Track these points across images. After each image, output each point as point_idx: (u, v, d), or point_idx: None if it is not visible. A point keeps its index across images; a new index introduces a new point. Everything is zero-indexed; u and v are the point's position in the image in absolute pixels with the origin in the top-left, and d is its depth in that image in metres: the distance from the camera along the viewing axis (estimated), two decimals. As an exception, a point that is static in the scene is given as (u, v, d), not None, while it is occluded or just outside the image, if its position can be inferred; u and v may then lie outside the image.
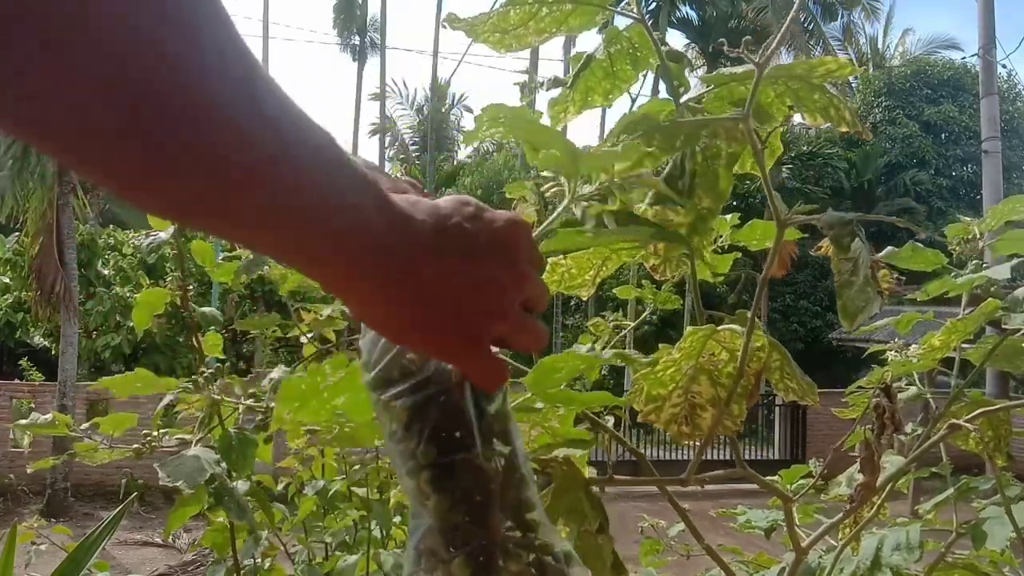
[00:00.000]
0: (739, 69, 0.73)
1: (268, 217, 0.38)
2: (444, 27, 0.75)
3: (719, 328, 0.75)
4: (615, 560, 0.72)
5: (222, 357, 1.31)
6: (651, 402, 0.76)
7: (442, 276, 0.44)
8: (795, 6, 0.77)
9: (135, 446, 1.21)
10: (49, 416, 1.18)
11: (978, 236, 1.08)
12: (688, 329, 0.76)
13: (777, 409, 12.96)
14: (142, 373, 1.08)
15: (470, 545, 0.49)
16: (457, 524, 0.50)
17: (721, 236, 1.02)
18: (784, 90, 0.74)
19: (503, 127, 0.68)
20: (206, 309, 1.28)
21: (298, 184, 0.38)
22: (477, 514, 0.50)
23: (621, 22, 0.82)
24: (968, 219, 1.12)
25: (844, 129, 0.76)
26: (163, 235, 1.20)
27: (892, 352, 1.12)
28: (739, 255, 1.01)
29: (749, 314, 0.73)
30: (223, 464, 1.10)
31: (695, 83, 0.83)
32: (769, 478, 1.43)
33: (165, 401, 1.25)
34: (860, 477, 0.87)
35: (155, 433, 1.21)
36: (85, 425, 1.24)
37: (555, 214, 0.69)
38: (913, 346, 1.05)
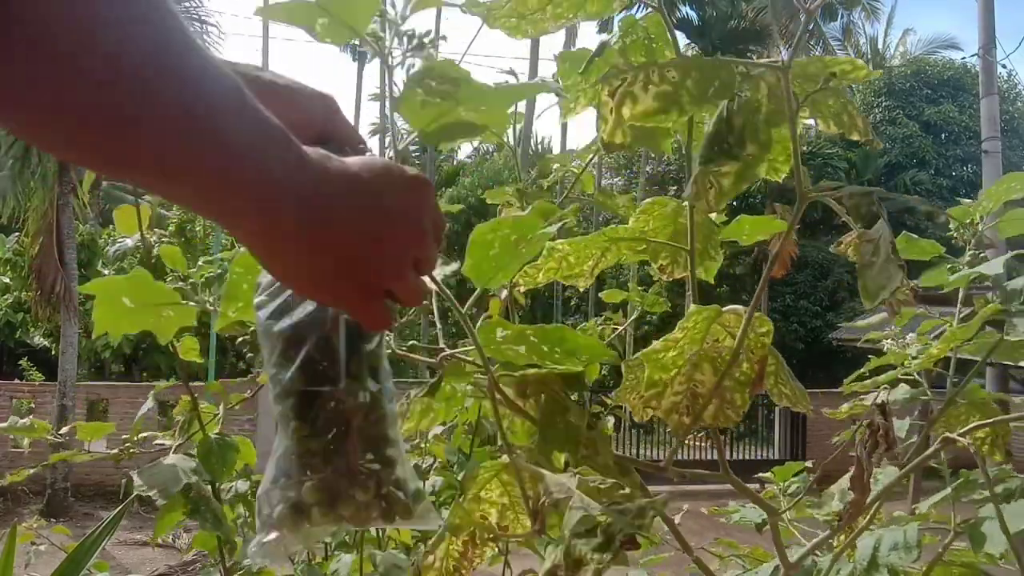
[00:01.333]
0: (761, 62, 0.72)
1: (177, 166, 0.40)
2: (464, 11, 0.75)
3: (724, 310, 0.74)
4: (620, 465, 0.69)
5: (200, 361, 1.29)
6: (652, 387, 0.74)
7: (347, 229, 0.47)
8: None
9: (113, 452, 1.21)
10: (27, 420, 1.18)
11: (977, 221, 1.07)
12: (692, 308, 0.74)
13: (777, 409, 12.94)
14: (139, 274, 0.93)
15: (323, 472, 0.52)
16: (314, 451, 0.53)
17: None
18: (796, 90, 0.73)
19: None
20: (164, 248, 1.26)
21: (207, 130, 0.40)
22: (334, 443, 0.53)
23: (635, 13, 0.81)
24: (969, 201, 1.10)
25: (856, 137, 0.75)
26: (129, 242, 1.19)
27: (888, 342, 1.11)
28: (726, 251, 1.00)
29: (752, 298, 0.72)
30: (199, 472, 1.09)
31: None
32: (763, 475, 1.43)
33: (145, 408, 1.25)
34: (839, 504, 0.86)
35: (134, 439, 1.21)
36: (64, 429, 1.25)
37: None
38: (911, 334, 1.05)
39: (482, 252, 0.66)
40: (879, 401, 0.91)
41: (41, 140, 0.39)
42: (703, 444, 10.77)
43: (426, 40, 0.75)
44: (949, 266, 1.03)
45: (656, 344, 0.75)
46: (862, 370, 1.24)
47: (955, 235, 1.10)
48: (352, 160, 0.49)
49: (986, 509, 1.01)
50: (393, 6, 0.73)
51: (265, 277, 0.56)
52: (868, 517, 0.98)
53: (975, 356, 1.00)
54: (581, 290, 0.92)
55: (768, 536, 1.45)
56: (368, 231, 0.48)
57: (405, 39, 0.75)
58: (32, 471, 1.36)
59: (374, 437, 0.55)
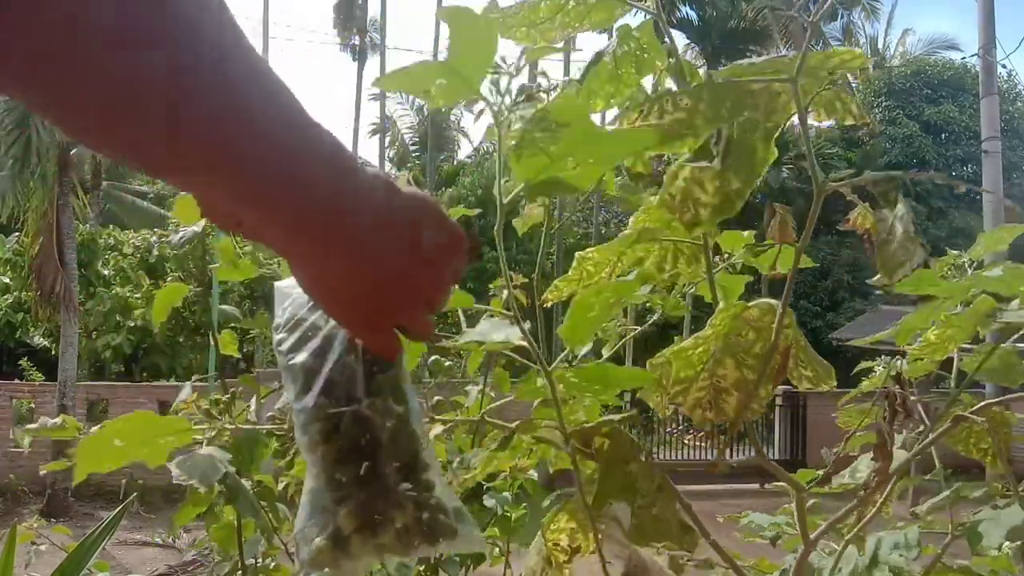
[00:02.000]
0: (754, 61, 0.72)
1: (225, 160, 0.41)
2: (487, 16, 0.75)
3: (749, 305, 0.75)
4: (680, 522, 0.71)
5: (237, 355, 1.31)
6: (678, 384, 0.76)
7: (382, 256, 0.49)
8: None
9: (142, 447, 1.21)
10: (58, 420, 1.18)
11: (969, 264, 1.09)
12: (719, 306, 0.75)
13: (777, 409, 12.95)
14: (144, 417, 0.92)
15: (357, 497, 0.51)
16: (346, 476, 0.52)
17: (734, 255, 1.01)
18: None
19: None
20: (225, 307, 1.28)
21: (258, 131, 0.42)
22: (365, 465, 0.52)
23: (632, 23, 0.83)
24: (955, 253, 1.13)
25: (850, 122, 0.76)
26: (195, 228, 1.19)
27: (879, 368, 1.12)
28: (751, 279, 1.01)
29: (785, 287, 0.73)
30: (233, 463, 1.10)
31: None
32: (773, 482, 1.43)
33: (180, 398, 1.25)
34: (866, 466, 0.87)
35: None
36: (94, 429, 1.24)
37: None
38: (914, 345, 1.05)
39: (582, 314, 0.70)
40: (894, 372, 0.91)
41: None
42: (703, 444, 10.77)
43: (535, 93, 0.77)
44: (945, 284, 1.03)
45: (686, 343, 0.76)
46: (862, 385, 1.25)
47: (945, 275, 1.12)
48: (405, 194, 0.51)
49: (983, 512, 1.01)
50: (503, 60, 0.76)
51: (282, 315, 0.56)
52: (877, 506, 0.98)
53: (971, 371, 1.01)
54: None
55: (771, 551, 1.45)
56: (398, 265, 0.50)
57: (514, 92, 0.78)
58: (71, 464, 1.35)
59: (406, 457, 0.54)
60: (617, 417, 0.77)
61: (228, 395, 1.15)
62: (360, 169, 0.47)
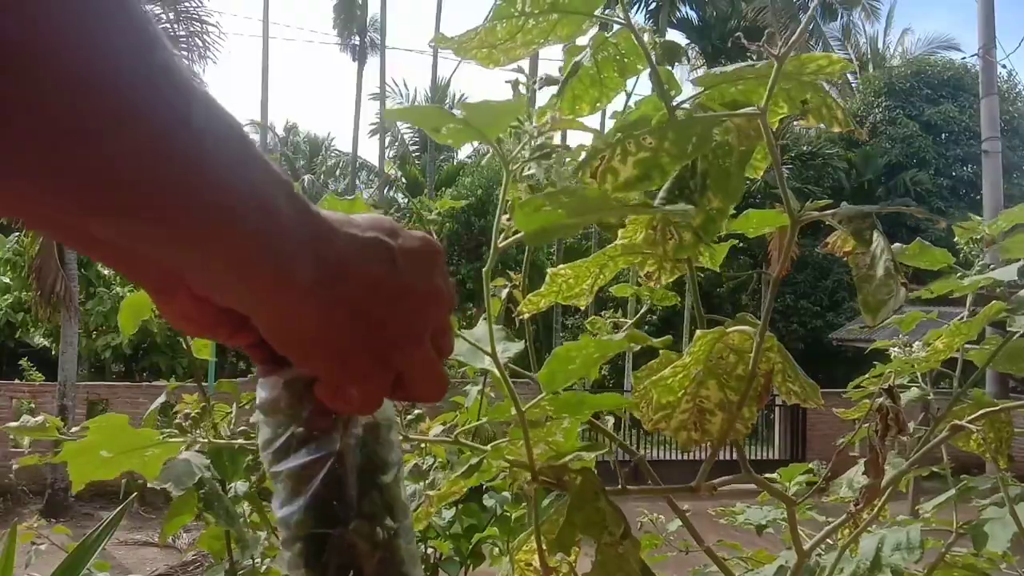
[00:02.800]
0: (728, 68, 0.72)
1: (176, 216, 0.34)
2: (430, 46, 0.75)
3: (728, 330, 0.75)
4: (643, 568, 0.71)
5: (213, 359, 1.29)
6: (660, 410, 0.76)
7: (363, 284, 0.42)
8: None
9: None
10: (40, 419, 1.18)
11: (988, 237, 1.08)
12: (697, 333, 0.75)
13: (777, 409, 12.95)
14: (114, 422, 0.91)
15: None
16: None
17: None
18: (777, 90, 0.74)
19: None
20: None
21: (209, 177, 0.34)
22: None
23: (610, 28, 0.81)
24: (979, 218, 1.11)
25: (837, 129, 0.75)
26: None
27: (895, 349, 1.11)
28: (736, 242, 1.01)
29: (762, 314, 0.72)
30: (211, 469, 1.10)
31: (688, 86, 0.83)
32: (767, 475, 1.43)
33: (157, 403, 1.25)
34: (863, 479, 0.87)
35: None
36: (75, 428, 1.24)
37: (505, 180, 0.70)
38: (917, 343, 1.05)
39: (561, 365, 0.70)
40: (886, 385, 0.91)
41: None
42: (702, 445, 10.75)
43: (552, 151, 0.75)
44: (959, 275, 1.03)
45: (665, 372, 0.76)
46: (866, 376, 1.24)
47: (963, 248, 1.11)
48: (359, 216, 0.45)
49: (988, 511, 1.01)
50: (527, 115, 0.74)
51: (266, 423, 0.50)
52: (875, 511, 0.98)
53: (979, 363, 1.00)
54: (582, 307, 0.94)
55: (768, 539, 1.45)
56: (385, 290, 0.43)
57: (531, 146, 0.76)
58: (46, 460, 1.33)
59: None
60: (590, 455, 0.76)
61: (202, 405, 1.15)
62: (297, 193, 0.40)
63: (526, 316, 0.93)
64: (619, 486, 0.78)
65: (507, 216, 0.71)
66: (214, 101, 0.36)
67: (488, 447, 0.78)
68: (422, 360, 0.45)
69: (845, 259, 0.72)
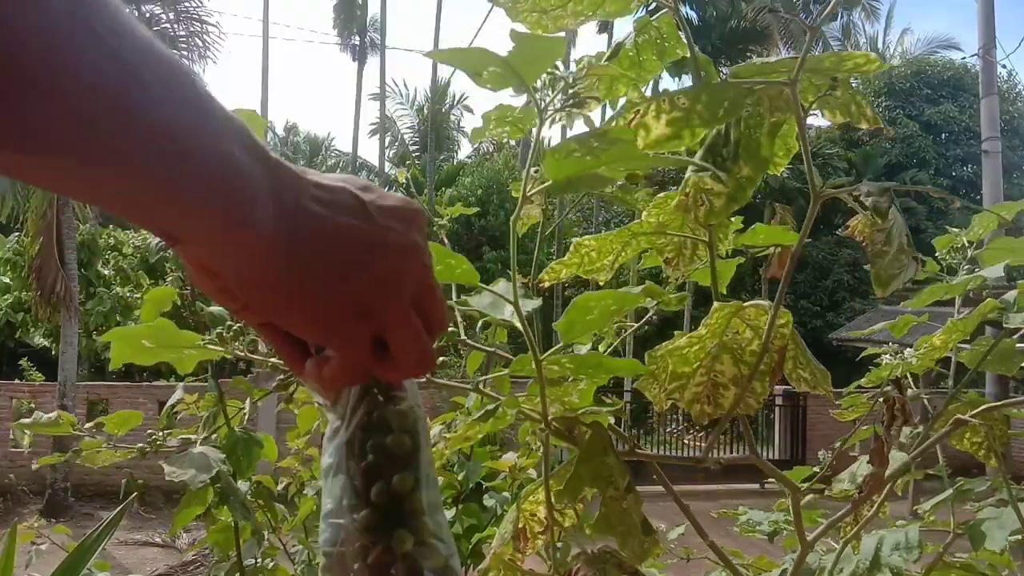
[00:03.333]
0: (768, 60, 0.73)
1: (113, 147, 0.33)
2: (489, 1, 0.77)
3: (745, 305, 0.76)
4: (644, 521, 0.73)
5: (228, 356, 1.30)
6: (675, 380, 0.77)
7: (332, 233, 0.41)
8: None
9: (139, 445, 1.20)
10: (53, 415, 1.18)
11: (966, 245, 1.09)
12: (714, 306, 0.76)
13: (777, 409, 12.94)
14: (161, 323, 0.91)
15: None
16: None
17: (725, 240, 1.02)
18: (807, 85, 0.74)
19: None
20: (214, 308, 1.28)
21: (165, 129, 0.35)
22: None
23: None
24: (955, 230, 1.13)
25: (865, 126, 0.76)
26: None
27: (887, 356, 1.12)
28: (743, 260, 1.01)
29: (779, 288, 0.74)
30: (226, 464, 1.10)
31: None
32: (767, 478, 1.44)
33: (173, 399, 1.25)
34: (865, 471, 0.87)
35: (160, 433, 1.20)
36: (89, 424, 1.24)
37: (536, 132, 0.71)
38: (908, 350, 1.06)
39: (580, 316, 0.71)
40: (894, 376, 0.92)
41: None
42: (703, 445, 10.77)
43: (584, 100, 0.76)
44: (945, 282, 1.03)
45: (680, 340, 0.77)
46: (861, 380, 1.25)
47: (946, 259, 1.12)
48: (331, 175, 0.44)
49: (986, 511, 1.01)
50: (563, 62, 0.75)
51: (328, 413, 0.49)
52: (875, 507, 0.98)
53: (970, 364, 1.01)
54: (601, 283, 0.94)
55: (768, 547, 1.45)
56: (355, 239, 0.42)
57: (564, 94, 0.77)
58: (61, 459, 1.33)
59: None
60: (603, 409, 0.78)
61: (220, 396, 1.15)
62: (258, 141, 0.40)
63: (546, 284, 0.94)
64: (629, 448, 0.80)
65: (535, 168, 0.71)
66: (154, 45, 0.35)
67: (503, 397, 0.80)
68: (401, 317, 0.43)
69: (862, 243, 0.73)
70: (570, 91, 0.73)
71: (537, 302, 0.74)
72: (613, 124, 0.72)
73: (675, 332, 0.79)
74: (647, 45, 0.83)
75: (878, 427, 0.89)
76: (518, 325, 0.72)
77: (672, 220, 0.86)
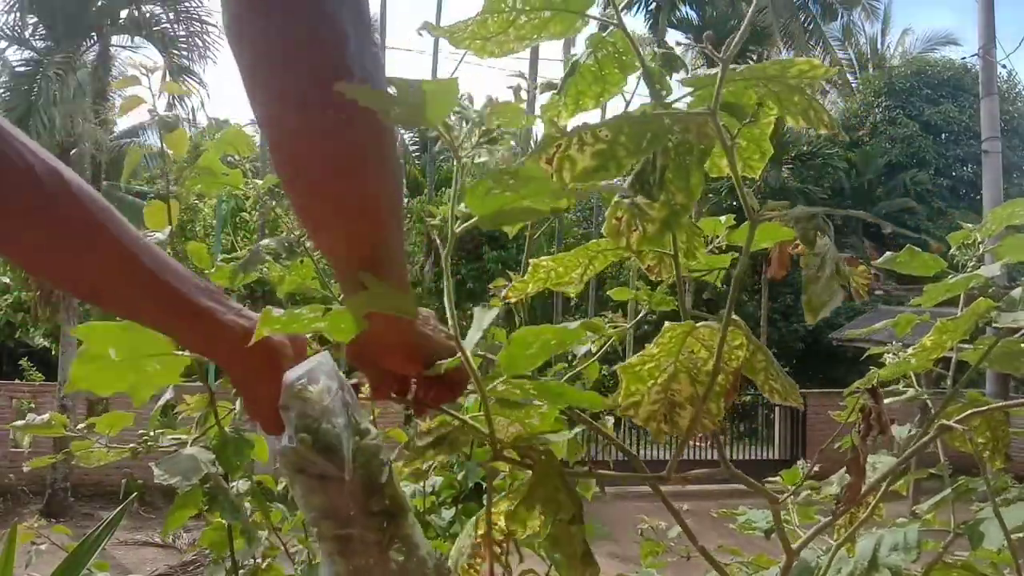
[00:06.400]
0: (713, 71, 0.73)
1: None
2: (420, 34, 0.76)
3: (697, 325, 0.76)
4: (585, 550, 0.74)
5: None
6: (629, 396, 0.77)
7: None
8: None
9: (131, 446, 1.21)
10: (46, 416, 1.18)
11: (979, 241, 1.08)
12: (666, 325, 0.77)
13: (777, 409, 12.96)
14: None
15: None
16: None
17: (718, 237, 1.03)
18: (766, 92, 0.75)
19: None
20: None
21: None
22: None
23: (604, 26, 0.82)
24: (970, 225, 1.11)
25: (823, 131, 0.77)
26: (159, 235, 1.20)
27: (889, 355, 1.12)
28: (736, 255, 1.02)
29: (726, 308, 0.74)
30: (216, 466, 1.10)
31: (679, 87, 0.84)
32: (768, 477, 1.44)
33: (163, 400, 1.25)
34: (847, 479, 0.87)
35: (152, 433, 1.21)
36: (82, 425, 1.24)
37: (458, 168, 0.72)
38: (911, 348, 1.05)
39: (520, 351, 0.73)
40: (869, 386, 0.91)
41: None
42: (703, 444, 10.77)
43: (497, 136, 0.78)
44: (949, 276, 1.03)
45: (632, 359, 0.78)
46: (859, 382, 1.25)
47: (956, 254, 1.11)
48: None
49: (985, 511, 1.01)
50: (471, 100, 0.75)
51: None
52: (869, 509, 0.98)
53: (973, 361, 1.00)
54: (573, 296, 0.97)
55: (772, 542, 1.45)
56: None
57: (477, 133, 0.79)
58: (56, 459, 1.34)
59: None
60: (558, 437, 0.80)
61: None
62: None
63: (513, 300, 0.96)
64: (587, 469, 0.81)
65: (463, 204, 0.72)
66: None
67: (461, 418, 0.80)
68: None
69: (797, 257, 0.74)
70: (482, 129, 0.75)
71: (477, 335, 0.73)
72: (528, 160, 0.71)
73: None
74: (607, 59, 0.83)
75: (855, 436, 0.88)
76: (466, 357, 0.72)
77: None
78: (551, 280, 0.93)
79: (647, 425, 0.77)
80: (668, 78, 0.84)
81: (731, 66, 0.70)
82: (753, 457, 13.10)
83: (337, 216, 0.62)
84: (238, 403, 1.19)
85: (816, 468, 1.11)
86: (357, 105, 0.52)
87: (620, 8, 0.78)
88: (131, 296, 0.66)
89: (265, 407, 0.69)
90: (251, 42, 0.55)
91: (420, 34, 0.73)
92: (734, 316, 0.74)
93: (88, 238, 0.62)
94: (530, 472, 0.75)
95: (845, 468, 0.88)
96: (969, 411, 0.89)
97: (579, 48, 0.87)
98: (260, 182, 1.45)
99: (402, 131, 28.87)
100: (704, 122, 0.69)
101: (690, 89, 0.77)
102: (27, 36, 12.43)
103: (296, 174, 0.61)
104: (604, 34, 0.82)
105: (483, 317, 0.73)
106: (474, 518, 0.80)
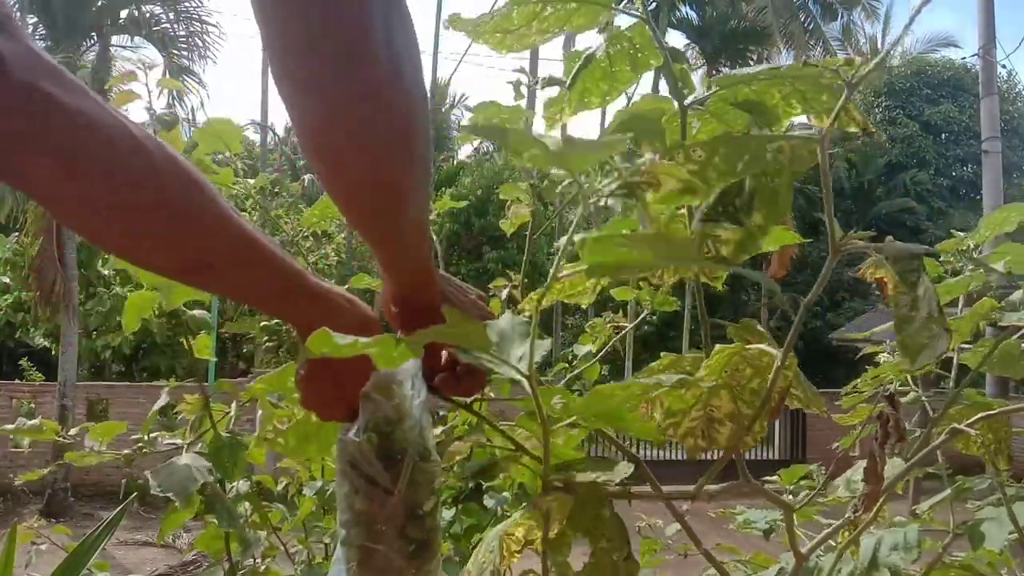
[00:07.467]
0: (751, 70, 0.72)
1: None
2: (446, 27, 0.75)
3: (747, 347, 0.74)
4: None
5: (214, 359, 1.30)
6: (670, 417, 0.76)
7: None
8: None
9: (125, 452, 1.21)
10: (36, 421, 1.18)
11: (971, 248, 1.08)
12: (716, 347, 0.75)
13: (777, 409, 12.93)
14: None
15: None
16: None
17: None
18: (791, 91, 0.73)
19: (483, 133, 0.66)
20: (197, 312, 1.28)
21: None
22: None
23: (622, 21, 0.81)
24: (961, 234, 1.11)
25: (854, 129, 0.75)
26: None
27: (885, 355, 1.11)
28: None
29: (788, 336, 0.71)
30: (212, 471, 1.10)
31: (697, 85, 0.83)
32: (767, 476, 1.44)
33: (158, 404, 1.25)
34: (861, 485, 0.87)
35: (145, 438, 1.21)
36: (74, 431, 1.25)
37: (574, 223, 0.66)
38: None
39: (604, 402, 0.69)
40: (888, 392, 0.91)
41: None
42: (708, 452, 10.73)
43: (637, 188, 0.73)
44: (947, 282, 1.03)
45: (673, 379, 0.74)
46: (857, 381, 1.25)
47: (951, 261, 1.10)
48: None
49: (985, 511, 1.01)
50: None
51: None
52: (873, 512, 0.98)
53: (973, 365, 1.00)
54: (584, 306, 0.95)
55: (769, 541, 1.45)
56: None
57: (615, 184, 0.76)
58: (47, 471, 1.35)
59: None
60: (602, 476, 0.75)
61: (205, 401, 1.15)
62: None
63: (527, 312, 0.92)
64: (627, 492, 0.77)
65: (565, 239, 0.67)
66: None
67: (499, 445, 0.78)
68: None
69: (877, 284, 0.70)
70: (619, 182, 0.68)
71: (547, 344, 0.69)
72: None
73: (672, 333, 0.78)
74: (620, 56, 0.81)
75: (872, 442, 0.88)
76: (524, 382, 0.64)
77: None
78: (565, 292, 0.91)
79: (683, 440, 0.74)
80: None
81: (757, 67, 0.69)
82: (753, 457, 13.06)
83: (361, 195, 0.62)
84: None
85: (824, 470, 1.11)
86: (384, 90, 0.55)
87: (624, 5, 0.77)
88: (252, 272, 0.63)
89: (347, 387, 0.65)
90: (282, 26, 0.54)
91: (446, 27, 0.72)
92: (753, 323, 0.73)
93: (200, 207, 0.59)
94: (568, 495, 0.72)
95: (862, 475, 0.86)
96: (979, 415, 0.88)
97: (580, 48, 0.86)
98: (252, 181, 1.44)
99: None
100: (804, 144, 0.64)
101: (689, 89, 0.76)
102: (27, 36, 12.39)
103: (329, 161, 0.60)
104: (623, 28, 0.79)
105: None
106: (495, 531, 0.77)
